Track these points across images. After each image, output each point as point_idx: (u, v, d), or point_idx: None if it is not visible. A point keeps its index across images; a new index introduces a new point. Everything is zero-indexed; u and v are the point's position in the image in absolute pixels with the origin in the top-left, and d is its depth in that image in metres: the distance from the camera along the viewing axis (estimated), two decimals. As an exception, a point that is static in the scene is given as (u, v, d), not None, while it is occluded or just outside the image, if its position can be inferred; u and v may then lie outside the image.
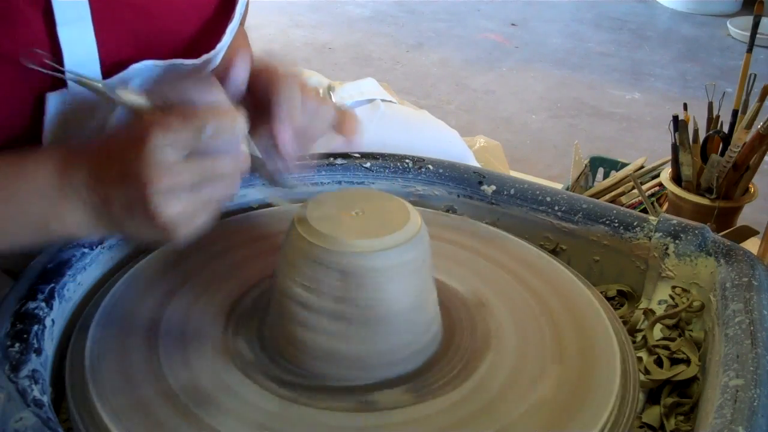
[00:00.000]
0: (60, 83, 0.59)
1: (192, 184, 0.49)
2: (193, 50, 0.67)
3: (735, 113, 1.21)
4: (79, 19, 0.58)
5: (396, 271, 0.53)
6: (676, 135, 1.21)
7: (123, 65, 0.61)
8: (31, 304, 0.56)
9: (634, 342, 0.63)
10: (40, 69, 0.51)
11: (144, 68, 0.62)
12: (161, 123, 0.47)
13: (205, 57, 0.67)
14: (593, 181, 1.47)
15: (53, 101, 0.60)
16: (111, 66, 0.61)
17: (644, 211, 1.26)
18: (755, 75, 1.20)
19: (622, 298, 0.71)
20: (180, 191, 0.48)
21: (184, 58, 0.66)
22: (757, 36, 1.24)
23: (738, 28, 2.99)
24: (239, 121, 0.49)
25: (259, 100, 0.58)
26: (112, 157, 0.50)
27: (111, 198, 0.50)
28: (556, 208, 0.73)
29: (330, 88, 0.64)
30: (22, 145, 0.63)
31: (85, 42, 0.59)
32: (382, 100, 0.94)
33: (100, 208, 0.51)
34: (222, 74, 0.73)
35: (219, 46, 0.68)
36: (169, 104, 0.49)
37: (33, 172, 0.52)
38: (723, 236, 0.68)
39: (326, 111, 0.60)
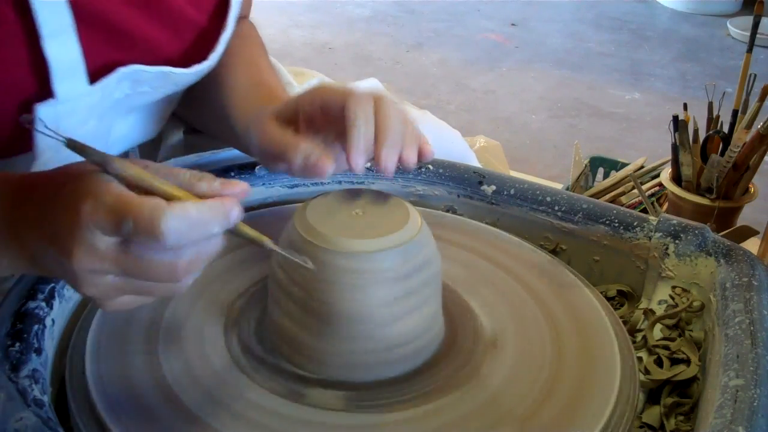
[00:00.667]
0: (47, 94, 0.59)
1: (116, 272, 0.44)
2: (185, 59, 0.67)
3: (735, 113, 1.21)
4: (62, 30, 0.57)
5: (376, 276, 0.52)
6: (676, 135, 1.21)
7: (109, 68, 0.61)
8: (31, 304, 0.56)
9: (634, 342, 0.63)
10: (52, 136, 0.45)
11: (132, 73, 0.62)
12: (93, 198, 0.42)
13: (196, 68, 0.67)
14: (593, 181, 1.48)
15: (42, 112, 0.59)
16: (97, 70, 0.61)
17: (644, 211, 1.26)
18: (755, 75, 1.20)
19: (622, 298, 0.71)
20: (102, 274, 0.44)
21: (177, 66, 0.65)
22: (757, 36, 1.24)
23: (738, 28, 2.99)
24: (163, 227, 0.41)
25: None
26: (52, 211, 0.45)
27: (39, 256, 0.46)
28: (556, 208, 0.73)
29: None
30: (16, 154, 0.62)
31: (70, 52, 0.58)
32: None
33: (31, 261, 0.48)
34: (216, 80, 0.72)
35: (212, 56, 0.68)
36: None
37: None
38: (723, 236, 0.68)
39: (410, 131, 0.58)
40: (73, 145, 0.44)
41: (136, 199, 0.42)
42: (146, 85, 0.65)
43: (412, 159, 0.55)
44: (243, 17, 0.85)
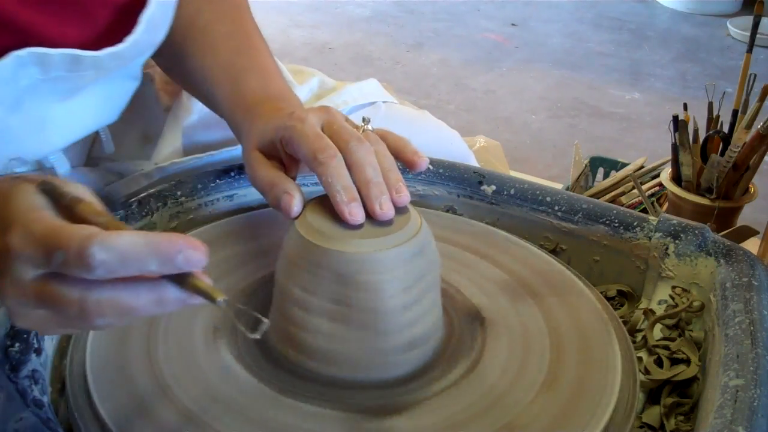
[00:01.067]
0: None
1: (37, 305, 0.42)
2: (99, 41, 0.62)
3: (735, 113, 1.21)
4: None
5: (393, 273, 0.52)
6: (676, 135, 1.21)
7: (3, 55, 0.57)
8: (31, 304, 0.56)
9: (634, 342, 0.63)
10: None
11: (30, 56, 0.58)
12: (21, 228, 0.40)
13: (109, 50, 0.62)
14: (593, 181, 1.48)
15: None
16: None
17: (644, 211, 1.26)
18: (755, 75, 1.21)
19: (622, 298, 0.71)
20: (27, 307, 0.42)
21: (88, 49, 0.60)
22: (757, 36, 1.24)
23: (738, 28, 2.99)
24: (91, 255, 0.38)
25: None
26: None
27: None
28: (556, 208, 0.73)
29: (366, 121, 0.61)
30: None
31: None
32: (383, 102, 0.94)
33: None
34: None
35: (129, 39, 0.62)
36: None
37: None
38: (723, 236, 0.68)
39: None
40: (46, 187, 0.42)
41: (66, 228, 0.40)
42: (60, 69, 0.60)
43: (398, 201, 0.54)
44: None
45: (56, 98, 0.65)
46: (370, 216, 0.54)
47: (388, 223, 0.54)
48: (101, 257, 0.38)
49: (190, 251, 0.40)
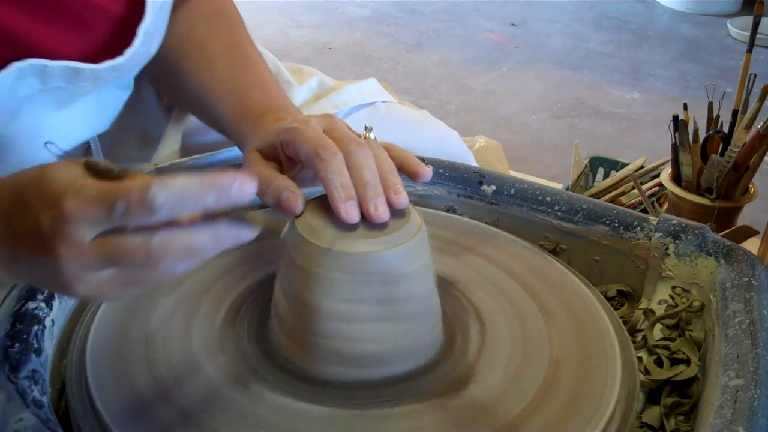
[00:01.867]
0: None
1: (104, 265, 0.43)
2: (98, 54, 0.63)
3: (735, 113, 1.21)
4: None
5: (376, 276, 0.52)
6: (676, 135, 1.21)
7: (4, 66, 0.57)
8: (31, 304, 0.56)
9: (634, 342, 0.63)
10: None
11: (31, 67, 0.59)
12: (77, 192, 0.42)
13: (108, 63, 0.63)
14: (593, 181, 1.48)
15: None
16: None
17: (644, 211, 1.26)
18: (755, 75, 1.20)
19: (622, 298, 0.71)
20: (90, 270, 0.43)
21: (87, 61, 0.62)
22: (757, 36, 1.24)
23: (738, 28, 2.99)
24: (153, 196, 0.41)
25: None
26: (24, 211, 0.44)
27: (18, 255, 0.45)
28: (556, 208, 0.73)
29: (368, 130, 0.61)
30: None
31: None
32: (383, 102, 0.94)
33: (8, 262, 0.46)
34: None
35: (128, 51, 0.64)
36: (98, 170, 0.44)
37: None
38: (723, 236, 0.68)
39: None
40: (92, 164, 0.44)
41: (122, 183, 0.42)
42: (59, 80, 0.61)
43: (396, 202, 0.54)
44: None
45: (52, 107, 0.65)
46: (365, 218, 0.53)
47: (388, 223, 0.54)
48: (163, 197, 0.41)
49: (242, 181, 0.42)
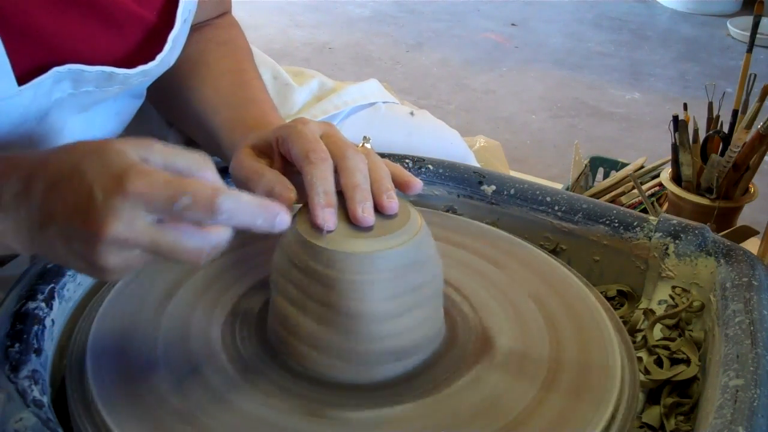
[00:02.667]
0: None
1: (143, 247, 0.45)
2: (131, 59, 0.65)
3: (735, 113, 1.21)
4: None
5: (376, 276, 0.52)
6: (676, 135, 1.21)
7: (43, 70, 0.59)
8: (31, 304, 0.56)
9: (634, 342, 0.63)
10: None
11: (69, 72, 0.61)
12: (144, 174, 0.44)
13: (141, 68, 0.65)
14: (593, 181, 1.48)
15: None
16: (29, 72, 0.59)
17: (644, 211, 1.26)
18: (755, 75, 1.21)
19: (622, 298, 0.71)
20: (128, 248, 0.45)
21: (120, 66, 0.64)
22: (757, 36, 1.24)
23: (738, 28, 2.99)
24: (220, 203, 0.44)
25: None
26: (77, 179, 0.45)
27: (52, 220, 0.46)
28: (556, 208, 0.73)
29: (366, 140, 0.62)
30: None
31: None
32: (383, 102, 0.94)
33: (36, 227, 0.47)
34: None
35: (159, 57, 0.66)
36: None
37: None
38: (723, 236, 0.68)
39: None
40: None
41: (191, 179, 0.45)
42: (90, 84, 0.64)
43: (388, 206, 0.55)
44: (224, 13, 0.84)
45: (74, 111, 0.67)
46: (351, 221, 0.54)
47: (388, 223, 0.54)
48: (227, 205, 0.44)
49: (285, 214, 0.47)
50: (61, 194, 0.46)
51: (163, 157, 0.47)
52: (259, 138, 0.61)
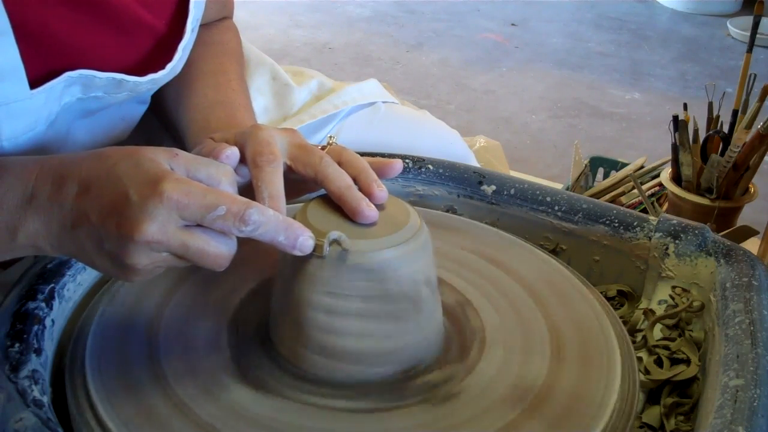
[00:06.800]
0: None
1: (173, 250, 0.48)
2: (141, 67, 0.66)
3: (735, 113, 1.21)
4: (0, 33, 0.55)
5: (376, 275, 0.52)
6: (676, 135, 1.21)
7: (55, 74, 0.60)
8: (31, 304, 0.56)
9: (634, 342, 0.63)
10: None
11: (80, 77, 0.61)
12: (180, 182, 0.47)
13: (151, 76, 0.66)
14: (593, 181, 1.48)
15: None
16: (41, 76, 0.59)
17: (644, 211, 1.26)
18: (755, 75, 1.21)
19: (622, 298, 0.71)
20: (159, 250, 0.48)
21: (130, 74, 0.65)
22: (757, 36, 1.24)
23: (738, 28, 2.99)
24: (249, 217, 0.47)
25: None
26: (112, 182, 0.48)
27: (85, 221, 0.48)
28: (556, 208, 0.73)
29: (332, 138, 0.62)
30: None
31: (8, 57, 0.56)
32: (383, 102, 0.94)
33: (67, 228, 0.49)
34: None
35: (169, 66, 0.68)
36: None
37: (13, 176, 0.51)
38: (723, 236, 0.68)
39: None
40: None
41: (225, 192, 0.49)
42: (99, 90, 0.64)
43: (378, 195, 0.55)
44: (225, 18, 0.85)
45: (79, 115, 0.68)
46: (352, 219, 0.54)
47: (388, 223, 0.54)
48: (255, 218, 0.48)
49: (306, 238, 0.50)
50: (96, 196, 0.48)
51: (185, 165, 0.49)
52: (221, 139, 0.59)
